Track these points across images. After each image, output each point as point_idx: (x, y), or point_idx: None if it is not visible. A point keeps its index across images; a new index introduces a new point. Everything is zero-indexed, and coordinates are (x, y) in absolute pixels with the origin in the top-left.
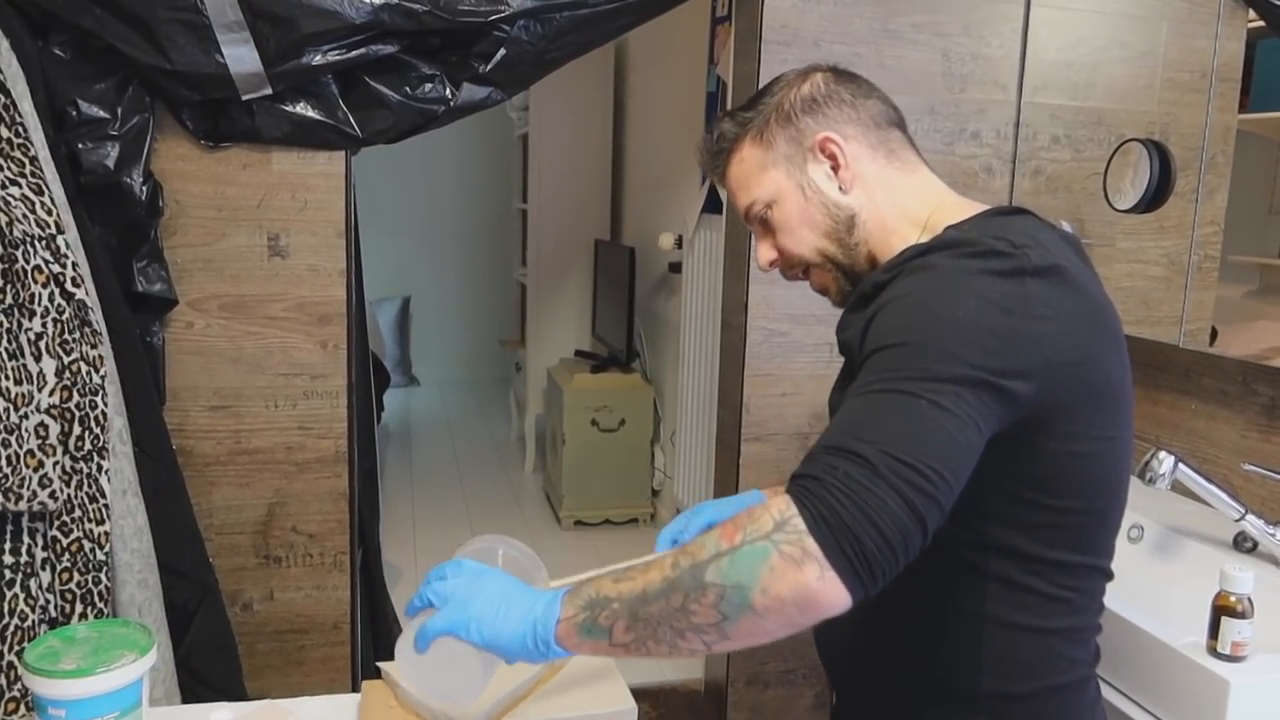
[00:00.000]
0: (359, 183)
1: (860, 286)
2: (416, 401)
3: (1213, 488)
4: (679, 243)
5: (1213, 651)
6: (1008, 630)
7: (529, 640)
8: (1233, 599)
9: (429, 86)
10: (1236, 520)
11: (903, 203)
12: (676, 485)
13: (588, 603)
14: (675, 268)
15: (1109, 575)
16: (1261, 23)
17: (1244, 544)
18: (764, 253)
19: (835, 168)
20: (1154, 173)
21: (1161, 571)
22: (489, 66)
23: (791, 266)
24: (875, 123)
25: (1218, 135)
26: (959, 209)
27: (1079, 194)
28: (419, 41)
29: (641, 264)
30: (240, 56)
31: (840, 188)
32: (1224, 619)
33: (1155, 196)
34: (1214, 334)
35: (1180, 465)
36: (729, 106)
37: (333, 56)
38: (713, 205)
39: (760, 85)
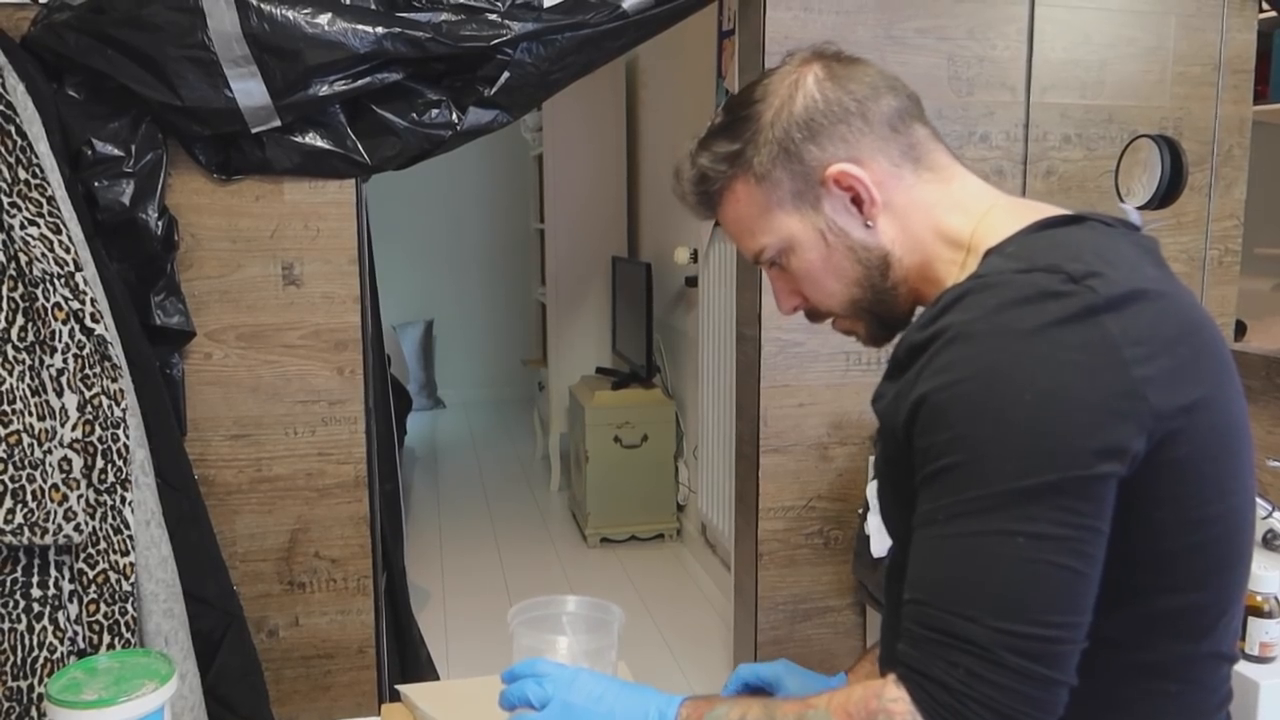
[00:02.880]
0: (380, 209)
1: (895, 350)
2: (442, 423)
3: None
4: (694, 256)
5: (1241, 652)
6: None
7: None
8: (1259, 599)
9: (435, 112)
10: (1264, 518)
11: (941, 223)
12: (701, 500)
13: None
14: (691, 281)
15: (1232, 660)
16: (1275, 14)
17: (1273, 541)
18: (784, 300)
19: (856, 200)
20: (1165, 169)
21: None
22: (494, 90)
23: (819, 317)
24: (892, 127)
25: (1233, 128)
26: (1004, 218)
27: (1093, 192)
28: (423, 68)
29: (658, 279)
30: (248, 90)
31: (865, 223)
32: (1251, 619)
33: (1168, 193)
34: (1241, 328)
35: None
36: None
37: (339, 86)
38: None
39: None
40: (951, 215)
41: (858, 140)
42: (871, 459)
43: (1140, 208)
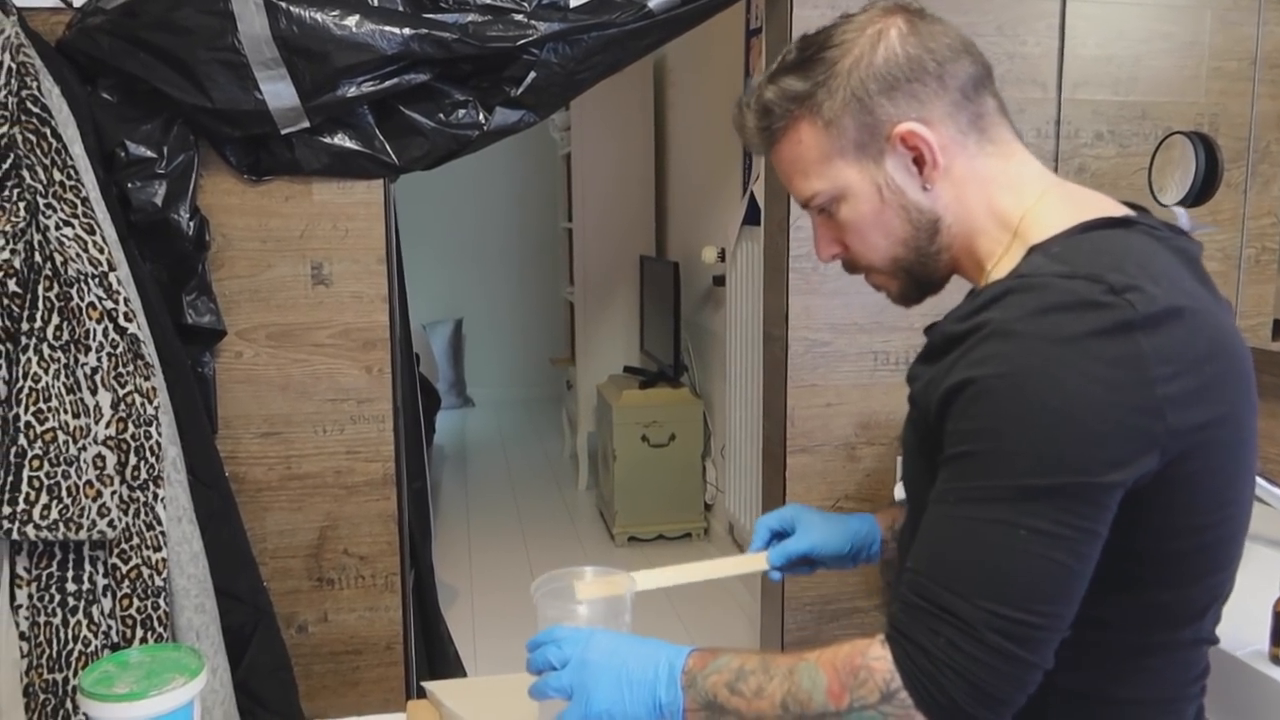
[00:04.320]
0: (410, 209)
1: (931, 337)
2: (472, 422)
3: (1275, 489)
4: (721, 255)
5: (1275, 659)
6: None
7: (656, 717)
8: None
9: (462, 112)
10: None
11: (994, 200)
12: (728, 499)
13: (706, 704)
14: (719, 280)
15: (1212, 642)
16: None
17: None
18: (825, 247)
19: (919, 160)
20: (1200, 166)
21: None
22: (520, 90)
23: (857, 269)
24: (964, 94)
25: (1271, 123)
26: (1056, 209)
27: (1125, 190)
28: (450, 69)
29: (686, 278)
30: (278, 92)
31: (924, 185)
32: None
33: (1202, 190)
34: (1279, 327)
35: None
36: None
37: (367, 88)
38: (753, 217)
39: None
40: (1005, 194)
41: (931, 101)
42: (899, 459)
43: (1174, 205)
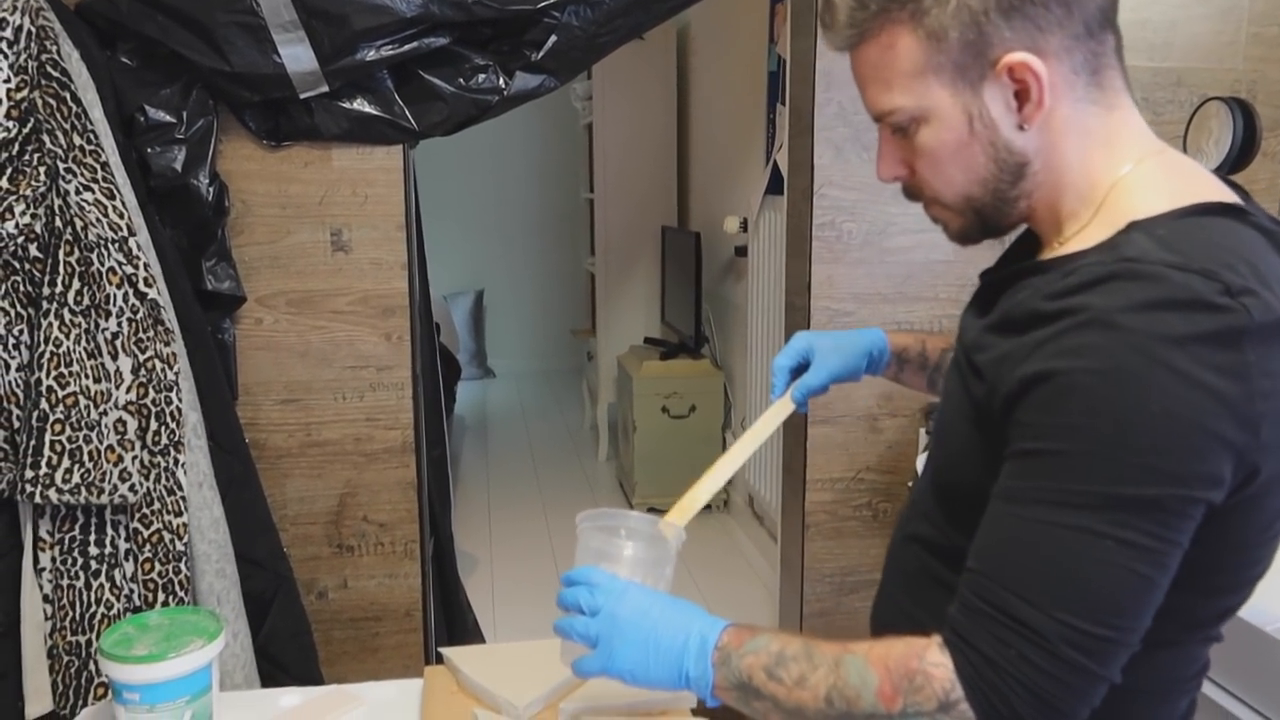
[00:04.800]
0: (431, 180)
1: (1008, 309)
2: (493, 393)
3: None
4: (744, 226)
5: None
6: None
7: (682, 687)
8: None
9: (482, 77)
10: None
11: (1090, 156)
12: (748, 471)
13: (739, 685)
14: (741, 251)
15: (1219, 639)
16: None
17: None
18: (888, 167)
19: (1021, 96)
20: (1237, 133)
21: None
22: (541, 54)
23: (919, 198)
24: (1088, 29)
25: None
26: (1156, 182)
27: None
28: (470, 32)
29: (708, 249)
30: (296, 56)
31: (1020, 124)
32: None
33: (1239, 159)
34: None
35: None
36: (785, 82)
37: (386, 51)
38: (775, 186)
39: (816, 63)
40: (1102, 151)
41: (1051, 31)
42: (923, 431)
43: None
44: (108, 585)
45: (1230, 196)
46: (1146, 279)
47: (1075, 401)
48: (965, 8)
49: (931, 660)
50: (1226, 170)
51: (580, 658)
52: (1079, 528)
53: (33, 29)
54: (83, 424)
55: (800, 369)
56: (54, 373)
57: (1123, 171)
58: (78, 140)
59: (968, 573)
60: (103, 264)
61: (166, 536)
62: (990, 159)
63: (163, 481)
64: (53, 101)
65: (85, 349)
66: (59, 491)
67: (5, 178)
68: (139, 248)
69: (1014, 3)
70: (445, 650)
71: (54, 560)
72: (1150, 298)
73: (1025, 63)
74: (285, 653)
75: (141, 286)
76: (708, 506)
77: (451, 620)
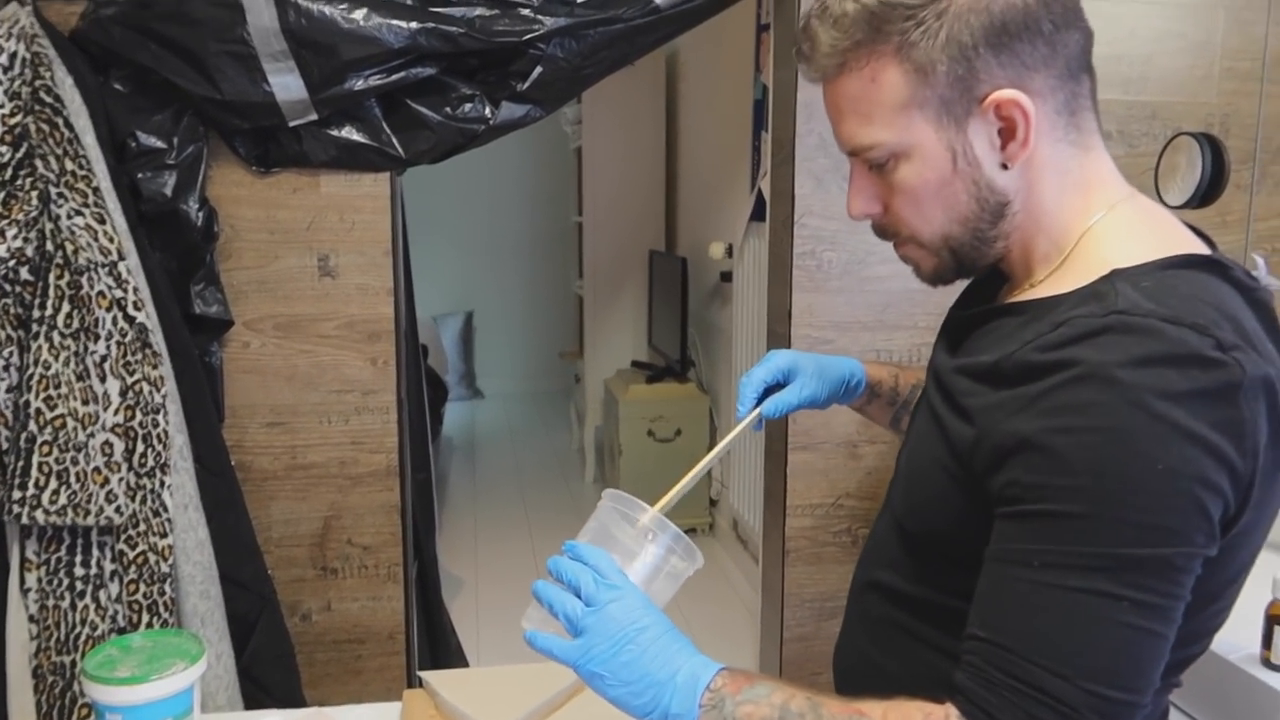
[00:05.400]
0: (422, 201)
1: (997, 359)
2: (481, 414)
3: None
4: (729, 251)
5: (1266, 663)
6: None
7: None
8: None
9: (469, 106)
10: None
11: (1065, 200)
12: (733, 495)
13: None
14: (726, 276)
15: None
16: None
17: None
18: (862, 203)
19: (1006, 134)
20: (1205, 167)
21: None
22: (526, 85)
23: (892, 237)
24: (1069, 70)
25: None
26: (1132, 229)
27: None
28: (457, 63)
29: (694, 273)
30: (286, 84)
31: (1003, 163)
32: (1277, 629)
33: (1208, 192)
34: None
35: None
36: (768, 111)
37: (374, 81)
38: (760, 213)
39: (798, 93)
40: (1076, 194)
41: (1037, 70)
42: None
43: (1180, 206)
44: (93, 606)
45: (1203, 248)
46: (1141, 332)
47: (1081, 462)
48: (955, 41)
49: None
50: (1196, 203)
51: (549, 635)
52: (1093, 590)
53: (27, 55)
54: (70, 445)
55: (773, 386)
56: (42, 395)
57: (1096, 217)
58: (70, 165)
59: (978, 641)
60: (92, 287)
61: (152, 558)
62: (972, 198)
63: (149, 503)
64: (46, 127)
65: (74, 371)
66: (46, 513)
67: None
68: (129, 272)
69: (1003, 38)
70: (424, 674)
71: (40, 581)
72: (1147, 352)
73: (1015, 99)
74: (268, 674)
75: (130, 310)
76: (691, 530)
77: (435, 643)
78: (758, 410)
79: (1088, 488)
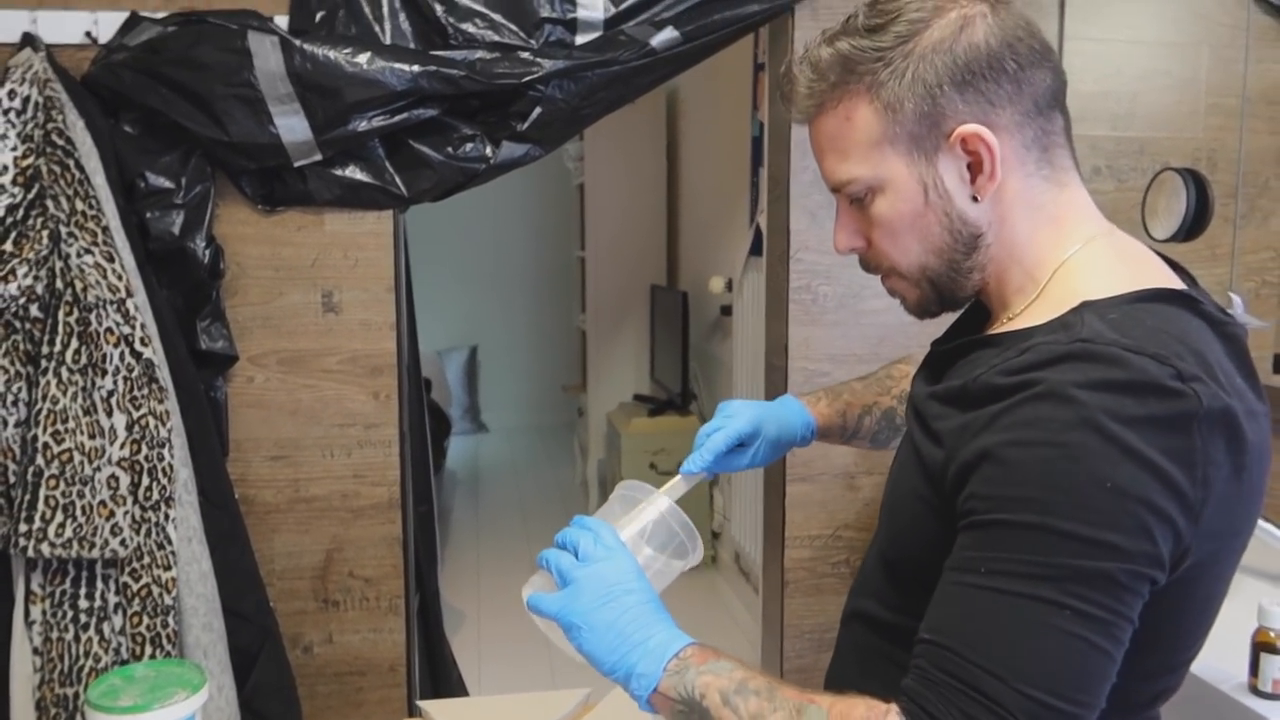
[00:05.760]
0: (427, 237)
1: (965, 382)
2: (485, 448)
3: (1263, 523)
4: (729, 286)
5: (1254, 690)
6: None
7: (619, 681)
8: (1272, 634)
9: (469, 146)
10: None
11: (1039, 233)
12: (734, 527)
13: (688, 700)
14: (727, 310)
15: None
16: None
17: None
18: (846, 238)
19: (974, 167)
20: (1190, 202)
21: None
22: (526, 125)
23: (876, 270)
24: (1038, 107)
25: (1270, 159)
26: (1105, 263)
27: (1124, 224)
28: (458, 104)
29: (695, 307)
30: (291, 126)
31: (973, 195)
32: (1263, 655)
33: (1193, 226)
34: (1279, 361)
35: None
36: (765, 148)
37: (377, 122)
38: (759, 248)
39: (792, 131)
40: (1050, 228)
41: (1002, 106)
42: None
43: (1166, 240)
44: (96, 638)
45: (1177, 283)
46: (1102, 360)
47: (1032, 474)
48: (920, 80)
49: None
50: (1182, 237)
51: (541, 591)
52: (1037, 597)
53: (40, 99)
54: (76, 479)
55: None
56: (50, 429)
57: (1070, 251)
58: (80, 205)
59: (923, 644)
60: (100, 324)
61: (155, 590)
62: (945, 229)
63: (153, 536)
64: (57, 168)
65: (82, 406)
66: (51, 545)
67: (10, 241)
68: (136, 308)
69: (967, 77)
70: (423, 703)
71: (44, 613)
72: (1105, 378)
73: (978, 133)
74: (270, 707)
75: (137, 346)
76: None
77: (436, 676)
78: (701, 474)
79: (1037, 499)
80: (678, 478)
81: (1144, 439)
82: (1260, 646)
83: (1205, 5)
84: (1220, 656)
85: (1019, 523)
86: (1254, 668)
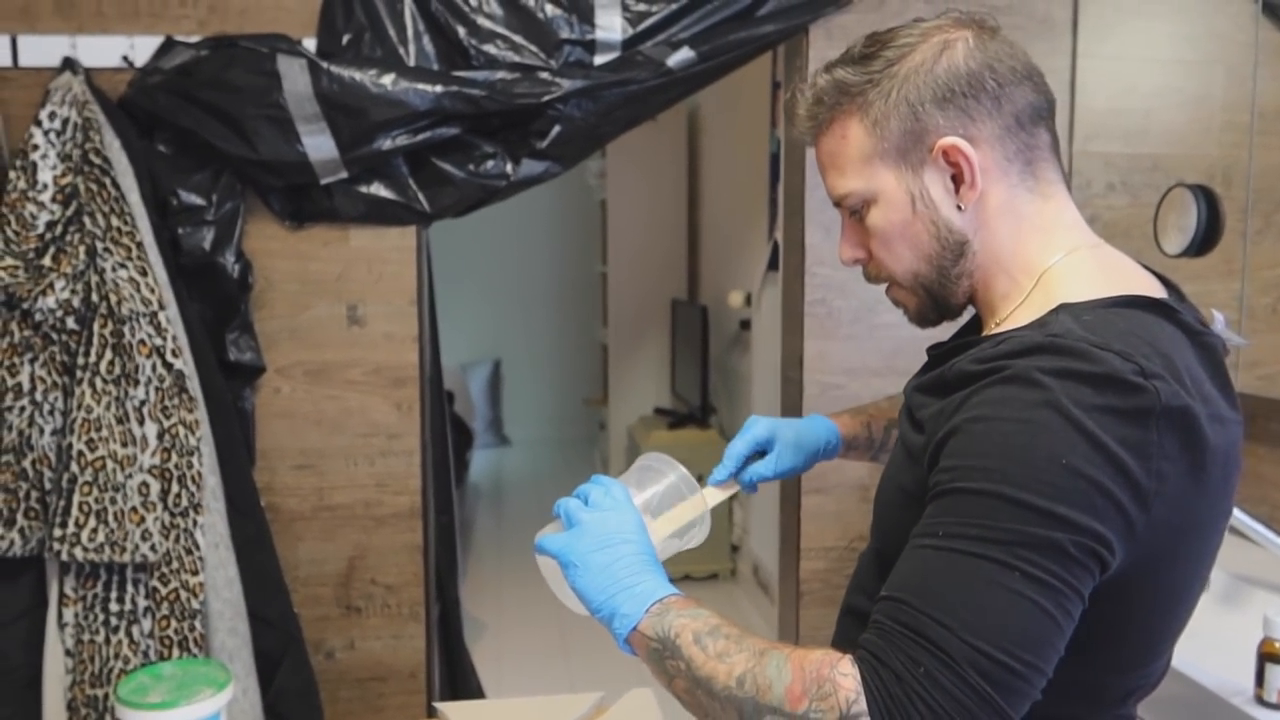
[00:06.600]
0: (451, 252)
1: (943, 370)
2: (508, 461)
3: (1269, 533)
4: (748, 300)
5: (1260, 700)
6: None
7: (603, 620)
8: (1278, 645)
9: (490, 163)
10: None
11: (1024, 241)
12: (753, 540)
13: (663, 639)
14: (746, 324)
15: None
16: None
17: None
18: (848, 250)
19: (957, 178)
20: (1201, 218)
21: (1227, 620)
22: (545, 143)
23: (877, 279)
24: (1019, 122)
25: None
26: (1088, 271)
27: (1138, 240)
28: (479, 123)
29: (715, 321)
30: (318, 145)
31: (958, 205)
32: (1269, 666)
33: (1204, 242)
34: None
35: (1235, 510)
36: (782, 165)
37: (401, 140)
38: (777, 262)
39: (807, 149)
40: (1035, 237)
41: (982, 121)
42: None
43: (1177, 256)
44: (126, 641)
45: (1159, 293)
46: (1069, 352)
47: (992, 445)
48: (904, 99)
49: (842, 670)
50: (1193, 252)
51: (549, 533)
52: (988, 557)
53: (79, 120)
54: (109, 486)
55: (753, 455)
56: (85, 437)
57: (1055, 259)
58: (115, 222)
59: (881, 601)
60: (134, 336)
61: (183, 594)
62: (933, 237)
63: (181, 541)
64: (94, 186)
65: (115, 415)
66: (84, 550)
67: (49, 256)
68: (168, 321)
69: (947, 95)
70: (439, 705)
71: (77, 616)
72: (1071, 367)
73: (956, 145)
74: (293, 711)
75: (169, 357)
76: (713, 575)
77: (456, 683)
78: (735, 484)
79: (995, 469)
80: (708, 487)
81: (1102, 426)
82: (1266, 657)
83: (1219, 23)
84: (1226, 667)
85: (975, 490)
86: (1260, 678)
